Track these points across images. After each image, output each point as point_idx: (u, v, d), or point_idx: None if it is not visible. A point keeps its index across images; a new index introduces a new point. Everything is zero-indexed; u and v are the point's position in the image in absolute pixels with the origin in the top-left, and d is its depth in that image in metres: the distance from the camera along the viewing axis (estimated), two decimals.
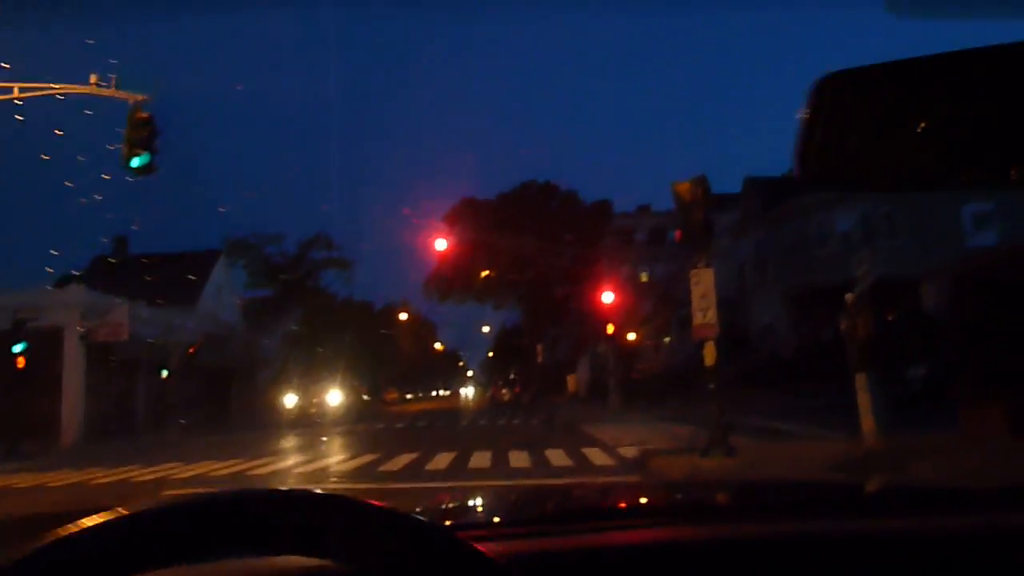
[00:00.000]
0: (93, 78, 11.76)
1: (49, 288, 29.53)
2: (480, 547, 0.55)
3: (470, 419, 29.26)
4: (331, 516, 0.53)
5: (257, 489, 0.54)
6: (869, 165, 0.60)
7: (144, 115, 11.02)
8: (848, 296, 9.30)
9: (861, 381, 9.22)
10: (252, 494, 0.53)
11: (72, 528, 0.49)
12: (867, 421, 9.18)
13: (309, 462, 14.20)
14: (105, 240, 41.04)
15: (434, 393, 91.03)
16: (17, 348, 20.75)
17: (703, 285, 9.39)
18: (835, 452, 9.03)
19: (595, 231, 37.87)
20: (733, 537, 1.17)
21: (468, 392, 67.25)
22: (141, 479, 12.05)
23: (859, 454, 8.80)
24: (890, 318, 24.86)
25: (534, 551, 1.14)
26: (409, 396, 79.41)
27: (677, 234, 9.49)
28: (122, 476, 12.51)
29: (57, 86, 11.94)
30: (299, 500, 0.53)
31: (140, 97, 11.12)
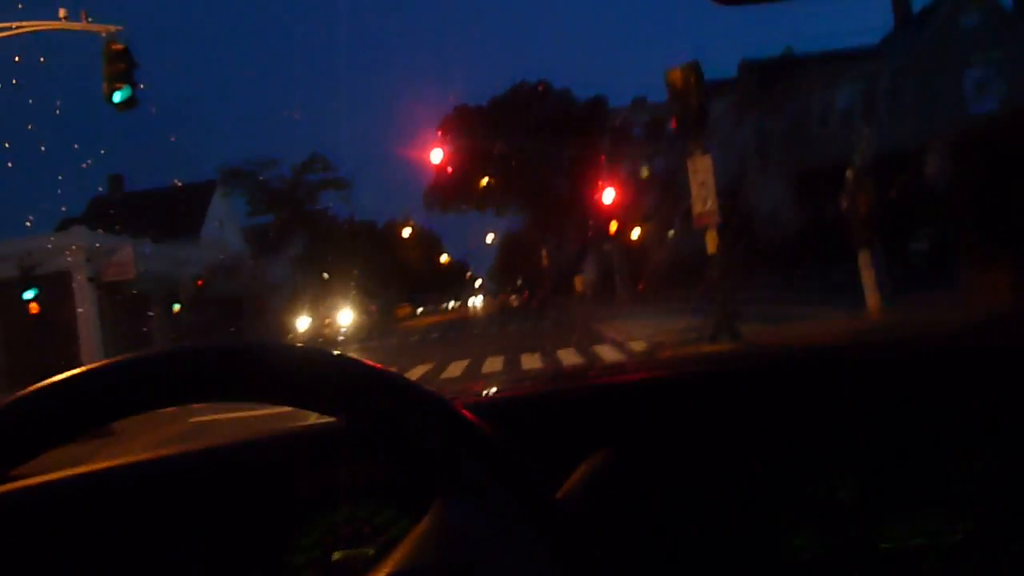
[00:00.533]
0: (62, 12, 11.41)
1: (51, 233, 29.52)
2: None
3: (481, 328, 29.64)
4: (329, 370, 0.55)
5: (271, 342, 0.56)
6: None
7: (119, 47, 10.72)
8: (848, 172, 9.22)
9: (864, 258, 9.26)
10: (263, 346, 0.55)
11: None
12: (872, 297, 9.28)
13: None
14: (100, 188, 40.71)
15: (444, 305, 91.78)
16: (28, 295, 20.94)
17: (701, 173, 9.32)
18: (840, 329, 9.16)
19: (592, 128, 37.23)
20: (715, 373, 1.21)
21: (478, 301, 67.70)
22: (165, 411, 12.35)
23: (865, 329, 8.92)
24: (893, 192, 24.72)
25: (519, 399, 1.19)
26: (420, 310, 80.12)
27: (673, 123, 9.35)
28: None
29: (25, 24, 11.59)
30: (302, 355, 0.55)
31: (113, 28, 10.80)
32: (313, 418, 1.01)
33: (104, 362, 0.53)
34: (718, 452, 1.08)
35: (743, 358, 1.39)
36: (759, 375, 1.19)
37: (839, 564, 1.01)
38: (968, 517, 1.00)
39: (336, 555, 1.07)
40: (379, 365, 0.56)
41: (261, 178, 42.90)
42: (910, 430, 1.06)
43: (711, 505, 1.04)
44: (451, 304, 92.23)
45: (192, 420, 9.17)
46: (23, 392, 0.51)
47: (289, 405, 0.55)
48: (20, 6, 11.82)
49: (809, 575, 1.01)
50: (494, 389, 1.29)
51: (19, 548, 1.01)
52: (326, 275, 44.85)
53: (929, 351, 1.15)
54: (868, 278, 9.26)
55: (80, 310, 25.51)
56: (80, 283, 25.59)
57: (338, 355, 0.55)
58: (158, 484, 1.10)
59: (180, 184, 39.90)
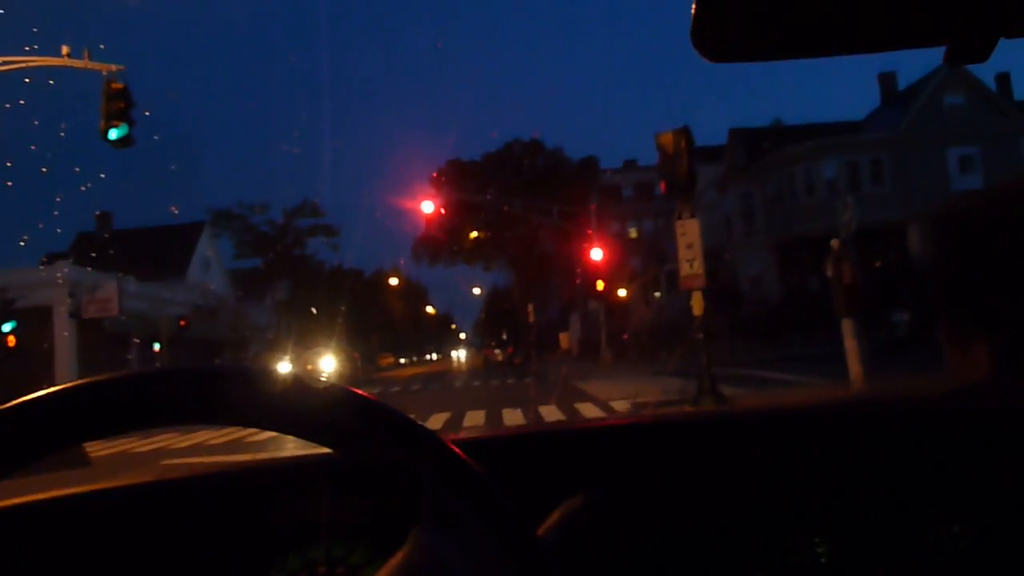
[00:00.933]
0: (65, 49, 11.55)
1: (36, 267, 29.33)
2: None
3: (464, 381, 29.45)
4: (323, 398, 0.54)
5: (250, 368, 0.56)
6: (770, 31, 0.58)
7: (119, 86, 10.85)
8: (833, 242, 9.35)
9: (847, 327, 9.32)
10: (241, 371, 0.55)
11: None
12: (854, 366, 9.31)
13: None
14: (87, 224, 40.67)
15: (428, 357, 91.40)
16: (6, 327, 20.69)
17: (689, 235, 9.42)
18: (822, 397, 9.16)
19: (582, 188, 37.72)
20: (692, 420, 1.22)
21: (461, 355, 67.42)
22: (139, 450, 12.13)
23: (847, 397, 8.93)
24: (877, 264, 25.08)
25: (502, 439, 1.19)
26: (404, 361, 79.70)
27: (662, 185, 9.48)
28: (120, 448, 12.58)
29: (28, 59, 11.72)
30: (297, 381, 0.54)
31: (114, 67, 10.95)
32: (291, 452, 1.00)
33: (110, 375, 0.53)
34: (696, 500, 1.08)
35: (725, 413, 1.40)
36: (740, 427, 1.20)
37: None
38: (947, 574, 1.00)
39: None
40: (371, 396, 0.55)
41: (251, 221, 42.93)
42: (889, 489, 1.06)
43: (688, 552, 1.04)
44: (434, 356, 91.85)
45: (164, 463, 8.99)
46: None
47: (280, 431, 0.55)
48: (26, 48, 11.97)
49: None
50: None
51: None
52: (311, 320, 44.63)
53: (908, 413, 1.16)
54: (851, 347, 9.31)
55: (59, 345, 25.21)
56: (60, 317, 25.35)
57: (331, 384, 0.55)
58: (131, 510, 1.08)
59: (168, 224, 39.90)
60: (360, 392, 0.56)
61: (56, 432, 0.50)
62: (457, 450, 0.56)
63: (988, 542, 1.01)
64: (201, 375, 0.54)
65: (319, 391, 0.54)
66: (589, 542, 0.98)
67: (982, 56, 0.57)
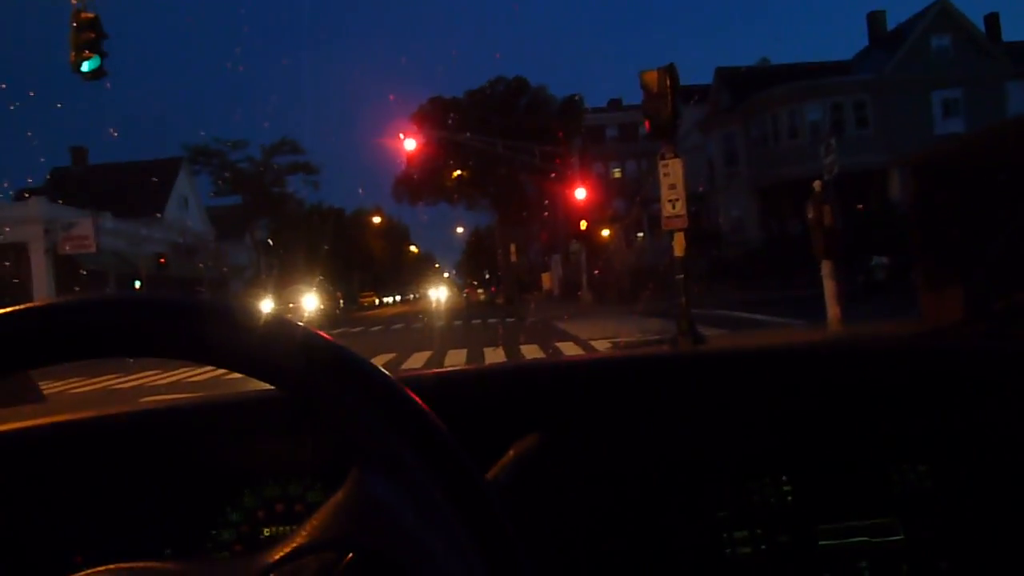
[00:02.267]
0: None
1: (9, 204, 28.78)
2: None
3: (446, 320, 29.56)
4: (273, 334, 0.52)
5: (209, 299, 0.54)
6: None
7: (89, 15, 10.47)
8: (815, 184, 9.34)
9: (826, 269, 9.39)
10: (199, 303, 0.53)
11: None
12: (832, 308, 9.40)
13: None
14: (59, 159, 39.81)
15: (411, 296, 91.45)
16: None
17: (672, 176, 9.36)
18: (797, 340, 9.28)
19: (566, 127, 37.31)
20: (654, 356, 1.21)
21: (441, 294, 67.37)
22: (120, 387, 12.14)
23: (819, 338, 9.05)
24: (859, 207, 25.17)
25: (455, 378, 1.18)
26: (387, 300, 79.68)
27: (646, 124, 9.35)
28: (101, 385, 12.59)
29: None
30: (247, 316, 0.52)
31: None
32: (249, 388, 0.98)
33: (63, 298, 0.52)
34: (660, 441, 1.07)
35: (693, 352, 1.39)
36: (708, 366, 1.18)
37: (778, 561, 1.02)
38: (912, 519, 1.01)
39: (267, 532, 1.04)
40: (323, 333, 0.54)
41: (229, 158, 42.18)
42: (858, 429, 1.06)
43: (643, 495, 1.03)
44: (418, 294, 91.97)
45: (142, 400, 9.00)
46: None
47: (229, 368, 0.53)
48: None
49: (747, 571, 1.02)
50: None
51: None
52: (291, 259, 44.34)
53: (878, 353, 1.16)
54: (829, 289, 9.38)
55: (36, 282, 24.94)
56: (37, 254, 25.02)
57: (279, 319, 0.53)
58: (79, 445, 1.05)
59: (145, 160, 39.14)
60: (303, 327, 0.54)
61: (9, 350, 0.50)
62: (403, 388, 0.54)
63: (954, 482, 1.02)
64: (140, 304, 0.52)
65: (261, 327, 0.52)
66: (541, 483, 0.97)
67: None
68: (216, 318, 0.52)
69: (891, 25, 33.00)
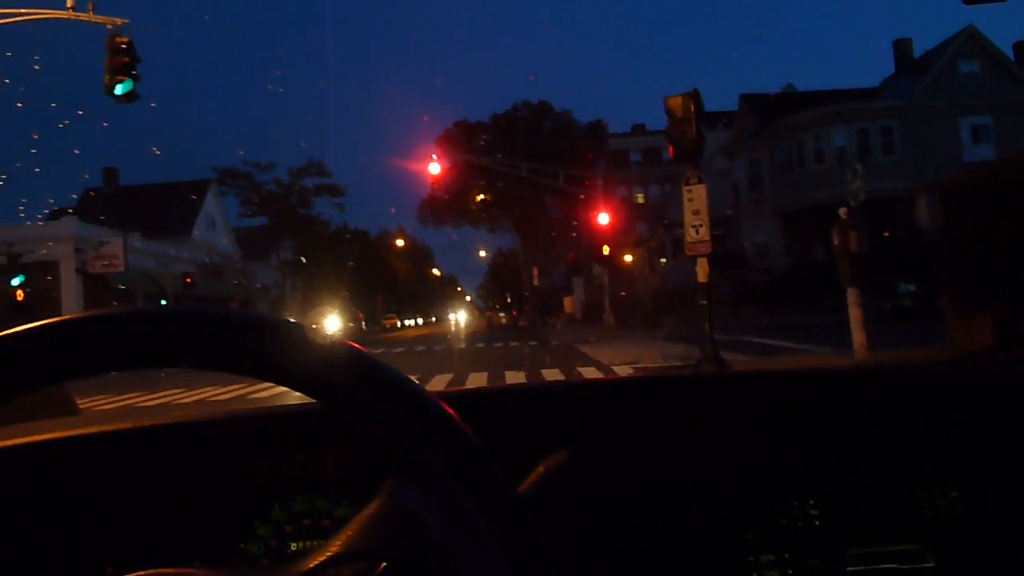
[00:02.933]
0: (69, 2, 11.42)
1: (42, 222, 29.39)
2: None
3: (467, 343, 29.55)
4: (310, 346, 0.53)
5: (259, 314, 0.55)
6: None
7: (123, 40, 10.74)
8: (841, 210, 9.28)
9: (852, 296, 9.29)
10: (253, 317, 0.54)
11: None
12: (858, 335, 9.29)
13: None
14: (86, 176, 40.65)
15: (433, 318, 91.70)
16: (15, 281, 20.81)
17: (696, 201, 9.35)
18: (824, 365, 9.17)
19: (590, 151, 37.43)
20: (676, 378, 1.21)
21: (463, 317, 67.46)
22: (145, 404, 12.26)
23: (846, 364, 8.94)
24: (885, 234, 24.92)
25: (487, 394, 1.18)
26: (409, 322, 79.94)
27: (670, 150, 9.35)
28: (126, 402, 12.73)
29: (32, 12, 11.59)
30: (287, 328, 0.53)
31: (119, 21, 10.82)
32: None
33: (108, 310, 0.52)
34: (687, 461, 1.07)
35: (721, 374, 1.39)
36: (737, 389, 1.18)
37: None
38: (943, 547, 1.00)
39: (294, 546, 1.04)
40: (359, 346, 0.55)
41: (257, 180, 42.76)
42: (887, 453, 1.05)
43: (675, 512, 1.03)
44: (440, 317, 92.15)
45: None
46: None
47: (267, 380, 0.54)
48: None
49: None
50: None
51: None
52: (316, 280, 44.69)
53: (905, 377, 1.15)
54: (856, 316, 9.28)
55: (65, 299, 25.35)
56: (67, 272, 25.45)
57: (319, 333, 0.54)
58: (113, 454, 1.06)
59: (174, 182, 39.80)
60: (349, 343, 0.55)
61: (37, 366, 0.50)
62: (436, 400, 0.55)
63: (986, 509, 1.01)
64: (186, 316, 0.53)
65: (309, 340, 0.53)
66: (570, 499, 0.97)
67: None
68: (273, 333, 0.53)
69: (918, 53, 32.84)
